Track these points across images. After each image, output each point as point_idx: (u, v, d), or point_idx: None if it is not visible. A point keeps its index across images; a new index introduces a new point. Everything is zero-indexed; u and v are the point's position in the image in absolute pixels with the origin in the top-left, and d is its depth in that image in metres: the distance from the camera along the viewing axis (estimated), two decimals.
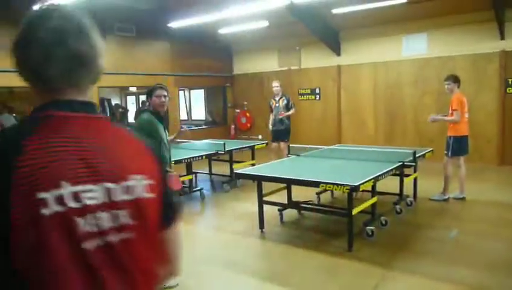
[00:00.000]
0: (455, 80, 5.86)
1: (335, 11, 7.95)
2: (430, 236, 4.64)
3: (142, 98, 14.51)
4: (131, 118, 13.45)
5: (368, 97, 9.81)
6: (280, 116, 7.56)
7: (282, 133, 7.62)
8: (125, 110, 13.45)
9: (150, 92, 3.84)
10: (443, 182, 6.01)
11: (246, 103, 12.15)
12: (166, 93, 3.81)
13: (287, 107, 7.61)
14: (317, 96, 10.65)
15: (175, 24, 8.87)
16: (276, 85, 7.74)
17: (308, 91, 10.80)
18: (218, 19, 8.00)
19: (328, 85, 10.43)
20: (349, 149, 6.41)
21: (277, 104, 7.67)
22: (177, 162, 6.06)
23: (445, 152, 5.93)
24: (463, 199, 5.99)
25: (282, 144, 7.48)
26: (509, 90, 8.03)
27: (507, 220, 5.08)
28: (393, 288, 3.51)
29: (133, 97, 15.70)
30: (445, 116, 5.98)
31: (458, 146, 5.82)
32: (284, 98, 7.66)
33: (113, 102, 13.68)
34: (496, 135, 8.24)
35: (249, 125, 12.18)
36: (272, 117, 7.79)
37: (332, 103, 10.39)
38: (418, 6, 8.21)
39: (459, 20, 8.28)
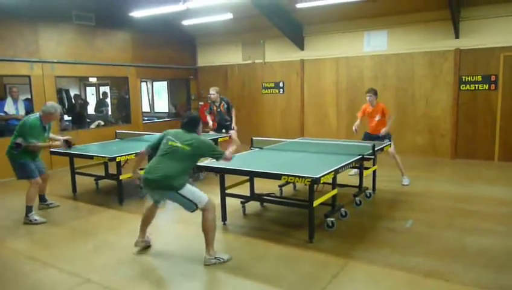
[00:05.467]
0: (375, 93, 6.87)
1: (299, 5, 8.00)
2: (388, 226, 4.81)
3: (103, 89, 14.08)
4: (90, 110, 13.02)
5: (331, 91, 9.98)
6: (234, 126, 7.98)
7: (228, 126, 8.13)
8: (85, 102, 12.98)
9: (199, 122, 4.19)
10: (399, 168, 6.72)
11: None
12: None
13: (229, 110, 8.11)
14: (281, 90, 10.72)
15: (137, 14, 8.63)
16: (212, 93, 8.06)
17: (272, 85, 10.85)
18: (181, 10, 7.85)
19: (291, 79, 10.52)
20: (311, 142, 6.51)
21: (218, 110, 8.15)
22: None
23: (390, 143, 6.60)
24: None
25: (232, 132, 7.83)
26: (462, 87, 8.39)
27: (459, 210, 5.35)
28: (351, 277, 3.61)
29: (93, 88, 15.20)
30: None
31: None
32: (223, 102, 8.11)
33: (72, 93, 13.16)
34: (449, 129, 8.62)
35: (212, 117, 12.06)
36: (211, 117, 8.32)
37: (296, 97, 10.49)
38: (379, 3, 8.42)
39: (417, 18, 8.56)
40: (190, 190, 3.87)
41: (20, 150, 5.11)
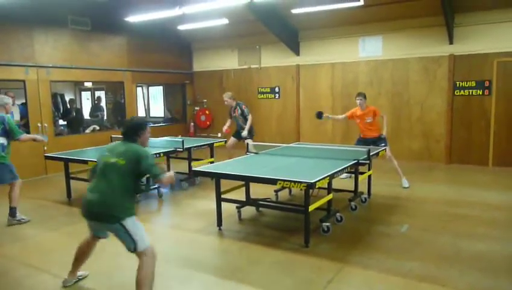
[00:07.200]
0: (365, 96, 6.99)
1: (294, 11, 8.05)
2: (383, 231, 4.81)
3: (98, 93, 14.05)
4: (86, 114, 12.96)
5: (326, 97, 10.01)
6: (244, 133, 7.60)
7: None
8: (79, 108, 12.94)
9: (143, 127, 3.40)
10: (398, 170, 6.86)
11: (205, 100, 12.07)
12: None
13: (243, 116, 7.73)
14: (277, 95, 10.75)
15: (133, 18, 8.65)
16: (225, 99, 7.79)
17: (268, 90, 10.88)
18: (177, 15, 7.88)
19: (287, 84, 10.55)
20: (307, 147, 6.52)
21: (234, 114, 7.84)
22: None
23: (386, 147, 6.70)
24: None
25: (248, 141, 7.65)
26: (457, 92, 8.45)
27: (454, 215, 5.36)
28: (347, 282, 3.61)
29: (88, 93, 15.17)
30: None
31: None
32: (237, 108, 7.76)
33: (67, 97, 13.11)
34: (444, 134, 8.66)
35: (208, 123, 12.11)
36: (229, 122, 7.98)
37: (292, 102, 10.52)
38: (374, 9, 8.49)
39: (411, 24, 8.64)
40: (135, 223, 3.15)
41: (7, 151, 5.18)
